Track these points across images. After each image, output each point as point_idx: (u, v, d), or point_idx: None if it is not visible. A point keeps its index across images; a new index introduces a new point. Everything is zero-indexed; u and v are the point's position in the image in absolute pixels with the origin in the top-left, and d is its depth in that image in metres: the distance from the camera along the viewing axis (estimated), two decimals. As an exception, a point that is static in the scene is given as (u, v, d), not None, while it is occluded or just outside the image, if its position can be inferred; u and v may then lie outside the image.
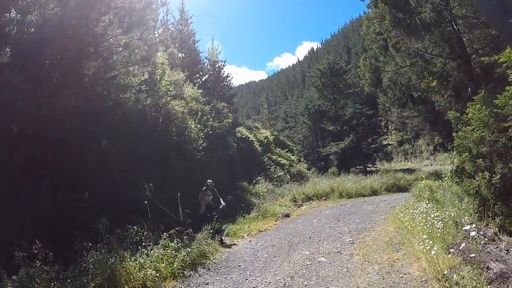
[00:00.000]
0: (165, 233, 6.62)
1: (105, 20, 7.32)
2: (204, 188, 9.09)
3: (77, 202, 6.87)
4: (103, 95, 7.89)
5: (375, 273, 5.49)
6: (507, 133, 5.68)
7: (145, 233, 6.40)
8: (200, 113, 14.04)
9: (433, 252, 4.67)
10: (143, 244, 6.15)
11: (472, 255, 4.17)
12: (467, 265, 4.40)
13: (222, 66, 26.65)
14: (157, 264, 5.81)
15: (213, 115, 15.67)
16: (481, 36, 8.51)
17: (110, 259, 5.46)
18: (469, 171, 6.84)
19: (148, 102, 9.46)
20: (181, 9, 24.54)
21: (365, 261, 6.17)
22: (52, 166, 6.88)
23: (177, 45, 21.49)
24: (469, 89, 9.43)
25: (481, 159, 6.47)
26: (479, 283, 3.95)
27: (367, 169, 26.54)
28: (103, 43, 7.52)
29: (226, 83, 26.88)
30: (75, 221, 6.66)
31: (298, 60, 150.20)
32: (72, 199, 6.85)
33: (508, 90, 5.46)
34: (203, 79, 24.11)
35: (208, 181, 9.19)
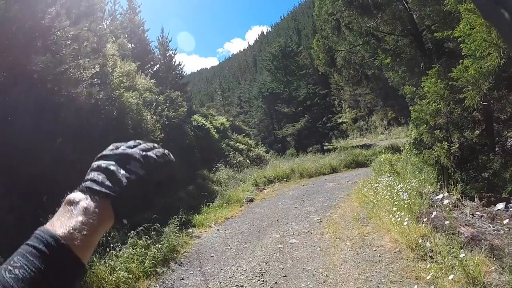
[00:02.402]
0: (132, 231, 6.29)
1: (52, 12, 6.75)
2: None
3: (35, 208, 6.38)
4: (54, 91, 7.31)
5: (348, 249, 5.56)
6: (463, 104, 5.90)
7: (111, 233, 6.01)
8: (154, 104, 13.52)
9: (405, 223, 4.78)
10: (111, 245, 5.78)
11: (447, 222, 4.31)
12: (438, 232, 4.57)
13: (173, 55, 25.89)
14: (128, 265, 5.51)
15: (167, 105, 15.15)
16: (431, 13, 8.76)
17: (79, 266, 5.12)
18: (427, 143, 7.10)
19: (101, 95, 8.88)
20: (129, -2, 23.28)
21: (336, 238, 6.24)
22: (5, 171, 6.32)
23: (127, 35, 20.51)
24: (421, 64, 9.77)
25: (438, 130, 6.73)
26: (452, 247, 4.10)
27: (324, 147, 27.08)
28: (51, 36, 6.95)
29: (178, 72, 26.16)
30: (36, 229, 6.15)
31: (249, 44, 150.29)
32: (30, 205, 6.30)
33: (462, 63, 5.63)
34: (154, 69, 23.21)
35: None
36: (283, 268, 5.32)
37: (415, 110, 7.23)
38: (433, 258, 4.15)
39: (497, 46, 4.61)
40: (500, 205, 5.49)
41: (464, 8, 5.28)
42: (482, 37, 4.84)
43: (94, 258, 5.36)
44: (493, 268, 3.70)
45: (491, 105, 6.16)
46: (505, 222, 4.18)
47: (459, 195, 5.96)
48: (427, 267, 4.10)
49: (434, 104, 6.74)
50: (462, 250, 3.88)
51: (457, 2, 5.99)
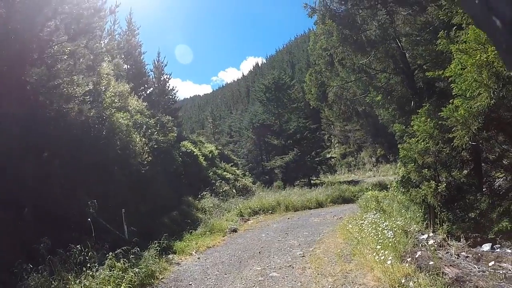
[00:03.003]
0: (110, 253, 6.11)
1: (51, 26, 6.88)
2: None
3: (15, 220, 6.17)
4: (45, 104, 7.32)
5: (329, 286, 5.35)
6: (452, 144, 5.91)
7: (89, 253, 5.90)
8: (145, 127, 13.45)
9: (389, 261, 4.64)
10: (88, 265, 5.66)
11: (431, 262, 4.19)
12: (421, 272, 4.43)
13: (167, 79, 26.32)
14: (104, 287, 5.35)
15: (157, 128, 15.10)
16: (424, 53, 9.00)
17: (53, 282, 5.02)
18: (414, 181, 7.07)
19: (92, 113, 8.84)
20: (129, 20, 23.75)
21: (318, 274, 6.02)
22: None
23: (123, 56, 20.71)
24: (412, 102, 9.93)
25: (426, 169, 6.71)
26: (437, 288, 3.95)
27: (312, 181, 26.96)
28: (48, 49, 7.06)
29: (171, 97, 26.47)
30: (14, 240, 5.98)
31: (243, 74, 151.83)
32: (10, 216, 6.15)
33: (452, 103, 5.69)
34: (148, 92, 23.44)
35: None
36: (261, 302, 5.08)
37: (404, 148, 7.24)
38: (417, 299, 4.00)
39: (488, 86, 4.67)
40: (486, 246, 5.40)
41: (456, 48, 5.38)
42: (473, 77, 4.91)
43: (69, 277, 5.23)
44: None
45: (480, 145, 6.21)
46: (490, 264, 4.07)
47: (445, 235, 5.88)
48: (411, 308, 3.94)
49: (423, 143, 6.76)
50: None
51: (449, 42, 6.13)
